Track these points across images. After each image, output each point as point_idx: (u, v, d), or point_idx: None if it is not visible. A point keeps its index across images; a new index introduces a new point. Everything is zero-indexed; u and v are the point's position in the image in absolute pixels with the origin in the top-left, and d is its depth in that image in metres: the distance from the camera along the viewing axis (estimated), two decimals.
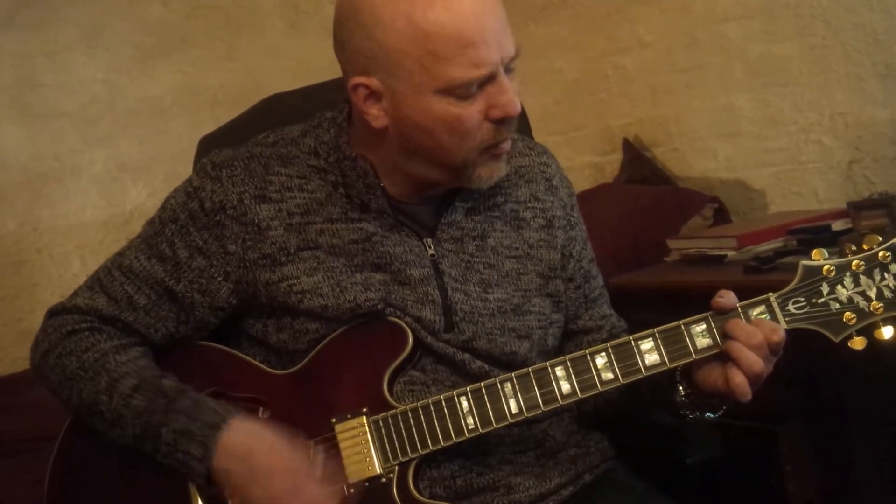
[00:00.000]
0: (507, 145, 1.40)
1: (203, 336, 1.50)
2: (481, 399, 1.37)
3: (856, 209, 2.28)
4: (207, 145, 1.79)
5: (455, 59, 1.30)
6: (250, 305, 1.46)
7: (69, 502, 1.48)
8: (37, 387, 1.53)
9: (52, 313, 1.51)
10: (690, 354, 1.35)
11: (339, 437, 1.38)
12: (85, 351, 1.44)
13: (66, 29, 3.49)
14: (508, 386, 1.37)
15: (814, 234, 2.28)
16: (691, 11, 3.04)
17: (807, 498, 2.15)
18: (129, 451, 1.42)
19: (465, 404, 1.37)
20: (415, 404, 1.38)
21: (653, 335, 1.35)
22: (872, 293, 1.34)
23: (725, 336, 1.33)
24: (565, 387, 1.36)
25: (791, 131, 2.79)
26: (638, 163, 3.23)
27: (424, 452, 1.37)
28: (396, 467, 1.37)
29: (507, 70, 1.35)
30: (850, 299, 1.34)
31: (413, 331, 1.41)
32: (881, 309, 1.33)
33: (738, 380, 1.31)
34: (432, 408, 1.37)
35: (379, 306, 1.42)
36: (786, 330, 1.33)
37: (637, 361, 1.35)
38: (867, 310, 1.33)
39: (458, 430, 1.36)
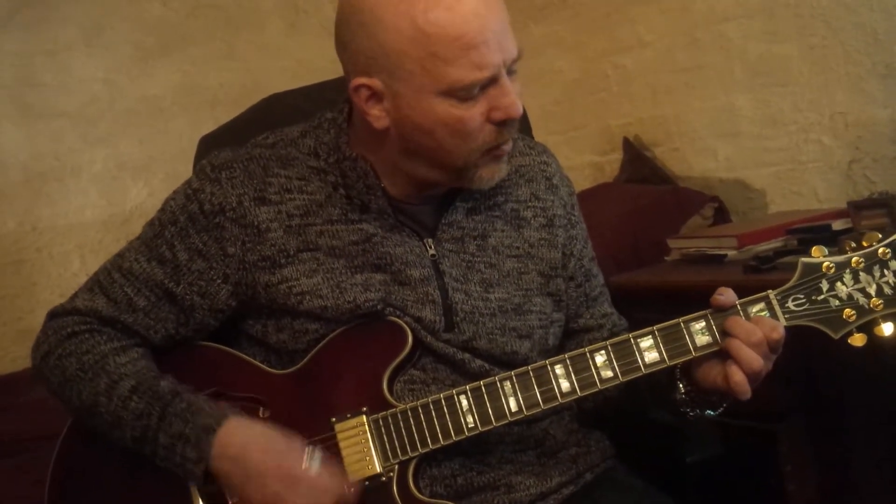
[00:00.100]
0: (508, 147, 1.40)
1: (203, 337, 1.50)
2: (481, 398, 1.36)
3: (856, 209, 2.28)
4: (207, 145, 1.79)
5: (457, 61, 1.30)
6: (250, 307, 1.46)
7: None
8: (37, 386, 1.53)
9: (53, 315, 1.51)
10: (690, 352, 1.34)
11: (339, 436, 1.38)
12: (85, 353, 1.44)
13: (65, 28, 3.49)
14: (508, 384, 1.36)
15: (814, 233, 2.28)
16: (691, 11, 3.04)
17: (806, 497, 2.15)
18: (129, 453, 1.42)
19: (464, 403, 1.37)
20: (414, 403, 1.38)
21: (652, 333, 1.35)
22: (872, 290, 1.34)
23: (725, 333, 1.33)
24: (565, 385, 1.36)
25: (791, 131, 2.79)
26: (638, 162, 3.24)
27: (424, 451, 1.37)
28: (396, 466, 1.37)
29: (510, 72, 1.35)
30: (850, 296, 1.34)
31: (413, 330, 1.41)
32: (881, 306, 1.33)
33: (738, 377, 1.30)
34: (432, 407, 1.37)
35: (379, 307, 1.42)
36: (785, 327, 1.33)
37: (636, 359, 1.35)
38: (867, 306, 1.33)
39: (458, 429, 1.36)
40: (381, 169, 1.44)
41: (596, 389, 1.36)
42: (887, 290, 1.33)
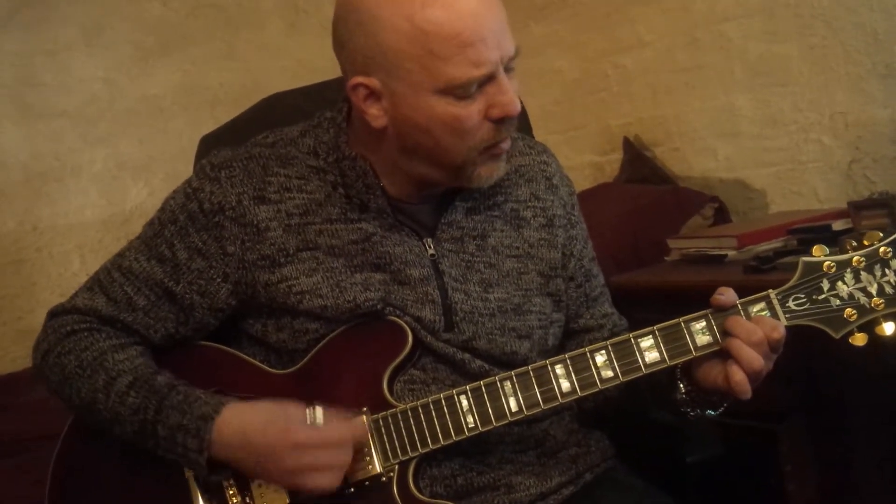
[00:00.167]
0: (506, 145, 1.40)
1: (203, 336, 1.50)
2: (481, 398, 1.36)
3: (856, 209, 2.28)
4: (207, 144, 1.79)
5: (454, 59, 1.30)
6: (250, 306, 1.46)
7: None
8: (37, 386, 1.53)
9: (53, 314, 1.51)
10: (690, 352, 1.34)
11: None
12: (84, 350, 1.44)
13: (65, 28, 3.50)
14: (508, 384, 1.36)
15: (814, 233, 2.28)
16: (691, 11, 3.04)
17: (806, 497, 2.15)
18: (129, 452, 1.42)
19: (464, 403, 1.36)
20: (414, 403, 1.38)
21: (652, 333, 1.35)
22: (873, 289, 1.33)
23: (725, 333, 1.33)
24: (565, 385, 1.36)
25: (791, 131, 2.79)
26: (638, 162, 3.23)
27: (424, 451, 1.37)
28: (397, 466, 1.37)
29: (507, 70, 1.35)
30: (851, 295, 1.34)
31: (413, 330, 1.41)
32: (882, 305, 1.33)
33: (738, 377, 1.30)
34: (432, 406, 1.37)
35: (378, 306, 1.42)
36: (786, 327, 1.33)
37: (637, 359, 1.35)
38: (868, 306, 1.33)
39: (458, 429, 1.36)
40: (380, 168, 1.44)
41: (596, 389, 1.36)
42: (888, 289, 1.33)
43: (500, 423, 1.36)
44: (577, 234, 1.59)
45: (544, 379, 1.36)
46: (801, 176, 2.79)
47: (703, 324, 1.34)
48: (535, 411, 1.36)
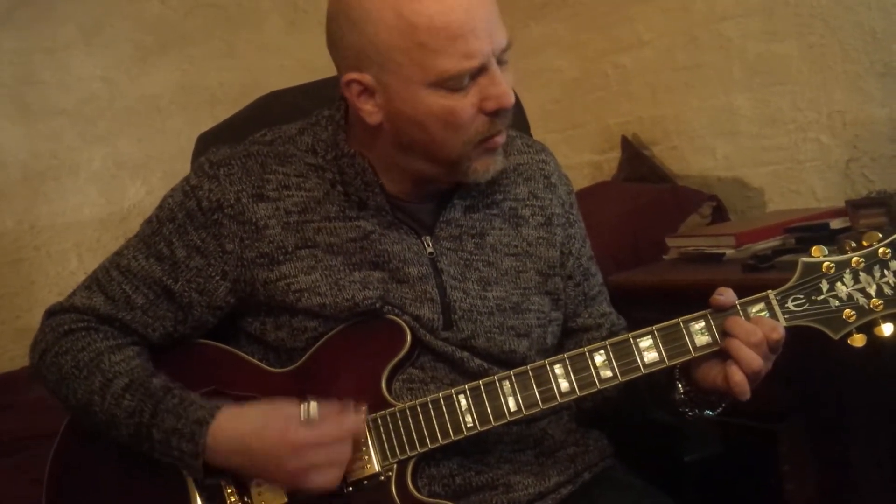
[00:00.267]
0: (501, 138, 1.40)
1: (201, 335, 1.50)
2: (480, 397, 1.36)
3: (854, 207, 2.28)
4: (205, 143, 1.79)
5: (445, 51, 1.30)
6: (248, 304, 1.46)
7: (68, 503, 1.48)
8: (35, 385, 1.53)
9: (51, 313, 1.51)
10: (689, 352, 1.34)
11: None
12: (80, 350, 1.44)
13: (64, 26, 3.49)
14: (507, 384, 1.36)
15: (812, 232, 2.28)
16: (690, 10, 3.03)
17: (806, 496, 2.15)
18: (126, 451, 1.42)
19: (463, 402, 1.36)
20: (413, 402, 1.38)
21: (651, 333, 1.35)
22: (872, 290, 1.33)
23: (724, 334, 1.33)
24: (564, 385, 1.36)
25: (789, 130, 2.79)
26: (636, 161, 3.23)
27: (423, 450, 1.37)
28: (395, 465, 1.37)
29: (500, 62, 1.35)
30: (850, 296, 1.34)
31: (411, 329, 1.41)
32: (881, 306, 1.33)
33: (738, 378, 1.30)
34: (431, 406, 1.37)
35: (377, 305, 1.42)
36: (785, 327, 1.33)
37: (636, 359, 1.35)
38: (867, 307, 1.33)
39: (457, 428, 1.36)
40: (378, 165, 1.44)
41: (595, 389, 1.35)
42: (887, 290, 1.33)
43: (499, 423, 1.36)
44: (576, 232, 1.59)
45: (543, 379, 1.36)
46: (799, 175, 2.79)
47: (703, 324, 1.34)
48: (533, 411, 1.36)
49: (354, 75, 1.36)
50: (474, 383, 1.37)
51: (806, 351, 1.46)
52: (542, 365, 1.36)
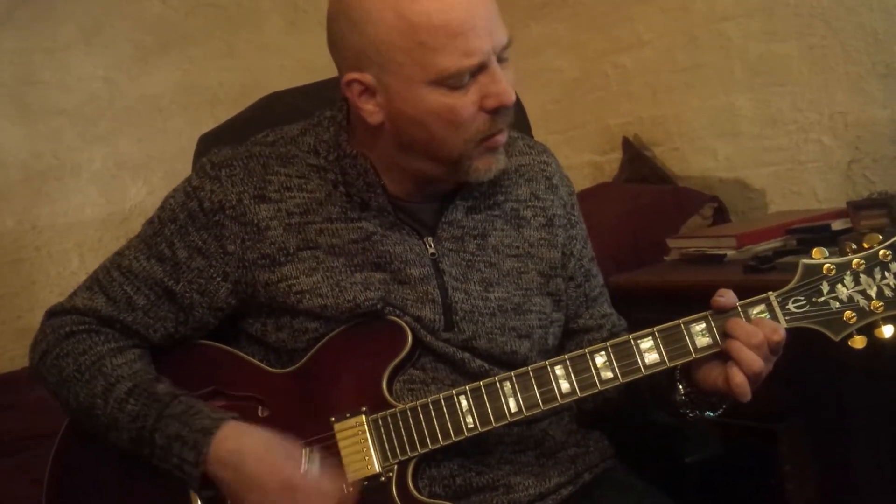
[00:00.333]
0: (502, 137, 1.40)
1: (202, 335, 1.50)
2: (480, 398, 1.36)
3: (855, 209, 2.28)
4: (207, 143, 1.78)
5: (445, 49, 1.30)
6: (249, 305, 1.46)
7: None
8: (36, 385, 1.53)
9: (51, 314, 1.50)
10: (690, 353, 1.34)
11: (338, 435, 1.38)
12: (82, 353, 1.44)
13: (65, 26, 3.49)
14: (508, 385, 1.36)
15: (813, 233, 2.28)
16: (691, 10, 3.03)
17: (806, 497, 2.15)
18: (127, 453, 1.41)
19: (464, 403, 1.36)
20: (414, 403, 1.38)
21: (652, 334, 1.35)
22: (873, 292, 1.33)
23: (725, 335, 1.33)
24: (564, 386, 1.36)
25: (791, 131, 2.79)
26: (637, 162, 3.23)
27: (424, 451, 1.37)
28: (395, 466, 1.37)
29: (501, 60, 1.35)
30: (851, 298, 1.34)
31: (412, 330, 1.41)
32: (882, 308, 1.33)
33: (738, 379, 1.30)
34: (431, 407, 1.37)
35: (378, 306, 1.42)
36: (786, 329, 1.33)
37: (636, 360, 1.35)
38: (867, 308, 1.33)
39: (458, 429, 1.36)
40: (379, 166, 1.44)
41: (596, 390, 1.35)
42: (888, 292, 1.33)
43: (500, 424, 1.36)
44: (577, 233, 1.59)
45: (544, 380, 1.36)
46: (800, 176, 2.79)
47: (703, 325, 1.34)
48: (534, 412, 1.36)
49: (355, 75, 1.36)
50: (475, 384, 1.37)
51: (806, 352, 1.46)
52: (542, 366, 1.36)
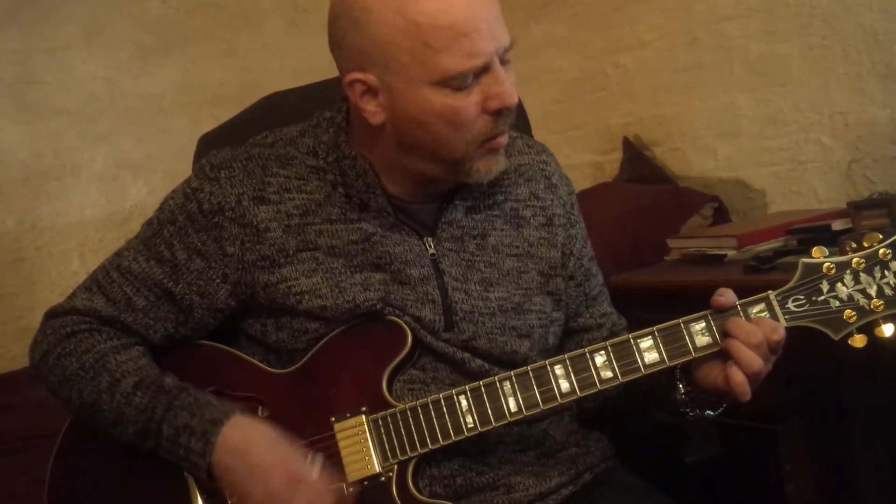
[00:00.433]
0: (503, 139, 1.40)
1: (202, 336, 1.50)
2: (480, 398, 1.36)
3: (856, 209, 2.28)
4: (207, 144, 1.79)
5: (449, 50, 1.30)
6: (249, 306, 1.46)
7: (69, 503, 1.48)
8: (36, 385, 1.53)
9: (51, 315, 1.51)
10: (690, 353, 1.34)
11: (339, 435, 1.38)
12: (85, 352, 1.44)
13: (65, 26, 3.49)
14: (507, 384, 1.36)
15: (814, 233, 2.28)
16: (691, 10, 3.03)
17: (806, 497, 2.14)
18: (129, 451, 1.42)
19: (464, 403, 1.36)
20: (414, 403, 1.38)
21: (652, 333, 1.35)
22: (873, 291, 1.33)
23: (725, 334, 1.33)
24: (564, 385, 1.36)
25: (791, 131, 2.79)
26: (638, 162, 3.23)
27: (424, 451, 1.37)
28: (396, 466, 1.37)
29: (503, 61, 1.35)
30: (851, 297, 1.34)
31: (412, 330, 1.41)
32: (881, 306, 1.33)
33: (738, 379, 1.30)
34: (431, 406, 1.37)
35: (378, 306, 1.42)
36: (785, 328, 1.33)
37: (636, 360, 1.35)
38: (867, 307, 1.33)
39: (458, 429, 1.36)
40: (379, 166, 1.44)
41: (595, 390, 1.36)
42: (888, 290, 1.33)
43: (500, 424, 1.36)
44: (577, 233, 1.59)
45: (544, 379, 1.36)
46: (800, 176, 2.79)
47: (703, 325, 1.34)
48: (534, 412, 1.36)
49: (358, 75, 1.36)
50: (475, 384, 1.37)
51: (806, 351, 1.46)
52: (542, 365, 1.36)
